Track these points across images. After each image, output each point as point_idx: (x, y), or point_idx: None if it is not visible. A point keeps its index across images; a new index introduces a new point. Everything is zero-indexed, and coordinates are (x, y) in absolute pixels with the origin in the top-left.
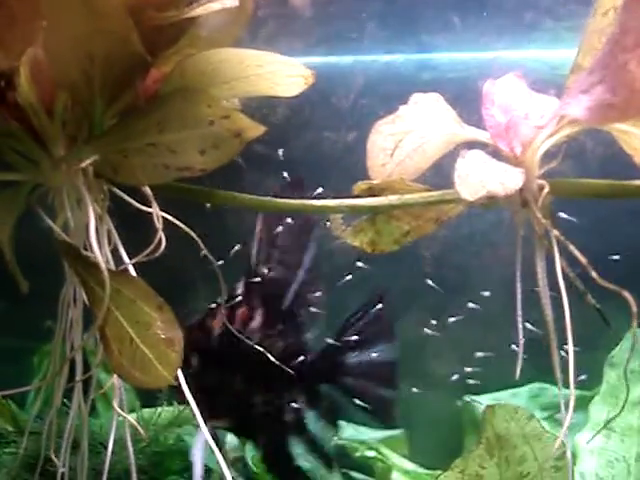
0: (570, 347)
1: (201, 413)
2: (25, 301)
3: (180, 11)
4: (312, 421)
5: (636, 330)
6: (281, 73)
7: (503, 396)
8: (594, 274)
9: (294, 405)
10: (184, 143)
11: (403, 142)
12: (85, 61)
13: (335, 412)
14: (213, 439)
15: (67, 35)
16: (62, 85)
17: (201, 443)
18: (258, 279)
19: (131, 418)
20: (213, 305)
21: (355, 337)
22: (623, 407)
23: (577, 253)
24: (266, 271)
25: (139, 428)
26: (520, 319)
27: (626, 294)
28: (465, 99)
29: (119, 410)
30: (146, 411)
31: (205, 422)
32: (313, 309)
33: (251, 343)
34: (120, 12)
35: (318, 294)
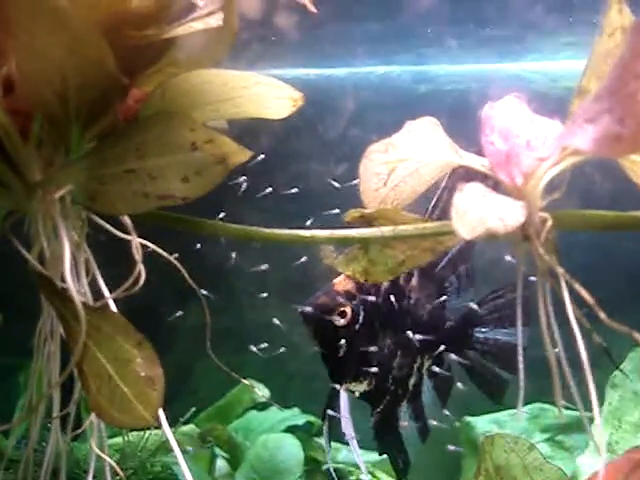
0: (590, 386)
1: (346, 373)
2: (11, 318)
3: (160, 30)
4: (426, 390)
5: (638, 350)
6: (268, 95)
7: (502, 417)
8: (602, 315)
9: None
10: (165, 169)
11: (397, 169)
12: (58, 83)
13: (449, 385)
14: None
15: (39, 56)
16: (36, 107)
17: (345, 404)
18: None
19: (107, 457)
20: None
21: (491, 313)
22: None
23: (584, 292)
24: None
25: (115, 466)
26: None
27: (636, 334)
28: (462, 111)
29: (97, 450)
30: (134, 434)
31: (344, 382)
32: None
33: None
34: (94, 32)
35: (468, 265)
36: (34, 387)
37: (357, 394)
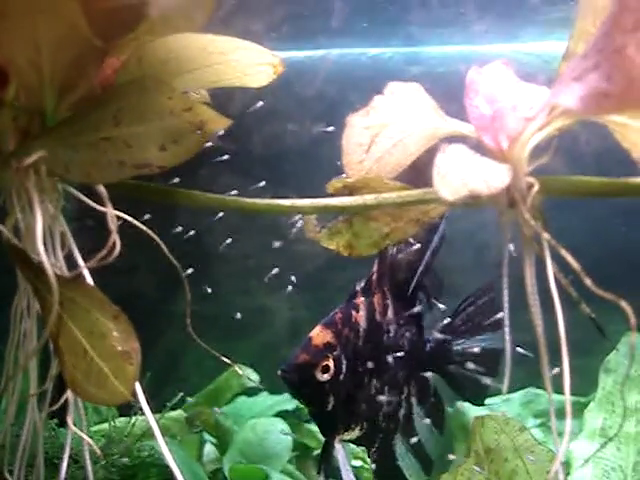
0: (564, 355)
1: (338, 425)
2: None
3: None
4: (419, 418)
5: (631, 334)
6: (248, 61)
7: (495, 402)
8: (589, 282)
9: (406, 400)
10: (142, 137)
11: (380, 137)
12: (32, 49)
13: (442, 408)
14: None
15: (10, 21)
16: (10, 76)
17: (344, 459)
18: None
19: (85, 434)
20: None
21: (465, 323)
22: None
23: (570, 258)
24: (395, 251)
25: (94, 445)
26: (507, 324)
27: (623, 304)
28: (454, 94)
29: (73, 427)
30: (120, 420)
31: (337, 435)
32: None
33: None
34: None
35: (431, 275)
36: (11, 364)
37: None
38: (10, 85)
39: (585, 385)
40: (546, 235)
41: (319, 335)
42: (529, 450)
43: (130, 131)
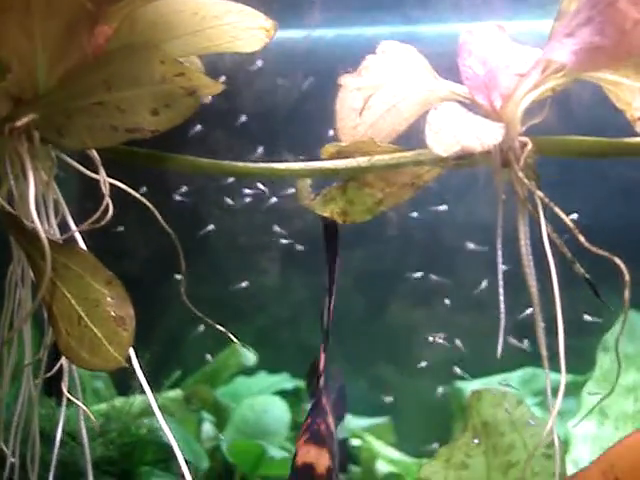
0: (559, 319)
1: None
2: None
3: None
4: None
5: (629, 313)
6: (240, 25)
7: (493, 382)
8: (582, 239)
9: None
10: (134, 102)
11: (373, 100)
12: (23, 14)
13: None
14: None
15: None
16: (1, 42)
17: None
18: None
19: (80, 403)
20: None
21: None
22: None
23: (563, 216)
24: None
25: (91, 416)
26: (502, 295)
27: (617, 260)
28: (452, 74)
29: (69, 395)
30: (119, 400)
31: None
32: None
33: None
34: None
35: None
36: (4, 333)
37: None
38: (1, 53)
39: (584, 364)
40: (539, 193)
41: (319, 458)
42: (526, 424)
43: (122, 96)
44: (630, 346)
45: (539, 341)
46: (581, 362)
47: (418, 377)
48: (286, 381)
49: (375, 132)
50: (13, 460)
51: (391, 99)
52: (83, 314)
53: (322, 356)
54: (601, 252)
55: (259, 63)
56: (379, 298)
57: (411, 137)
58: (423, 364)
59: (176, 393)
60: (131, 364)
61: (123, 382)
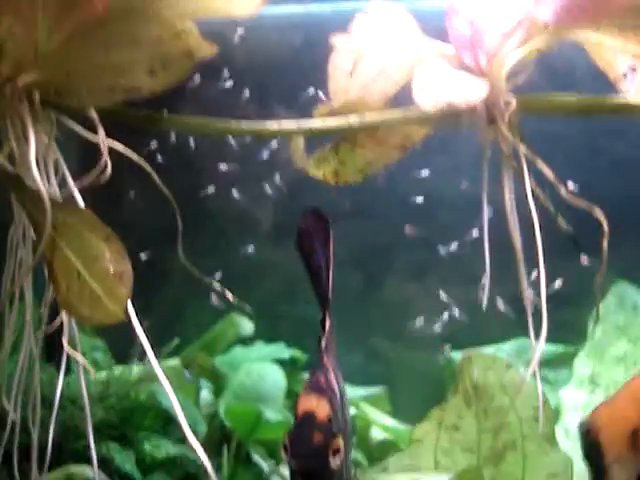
0: (541, 274)
1: None
2: None
3: None
4: None
5: (620, 284)
6: None
7: (486, 352)
8: (563, 190)
9: None
10: (131, 63)
11: (364, 61)
12: None
13: None
14: None
15: None
16: (3, 5)
17: None
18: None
19: (80, 357)
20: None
21: None
22: None
23: (546, 169)
24: None
25: (89, 367)
26: (487, 248)
27: (597, 210)
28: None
29: (69, 348)
30: (118, 368)
31: None
32: None
33: None
34: None
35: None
36: (7, 294)
37: None
38: (4, 16)
39: (575, 336)
40: (523, 148)
41: (320, 406)
42: (516, 387)
43: (120, 57)
44: (621, 317)
45: (524, 299)
46: (573, 334)
47: (413, 348)
48: (283, 351)
49: (367, 95)
50: (14, 417)
51: (381, 62)
52: (82, 270)
53: (326, 320)
54: (581, 204)
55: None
56: (375, 270)
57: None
58: (418, 335)
59: (174, 362)
60: (131, 326)
61: (121, 354)
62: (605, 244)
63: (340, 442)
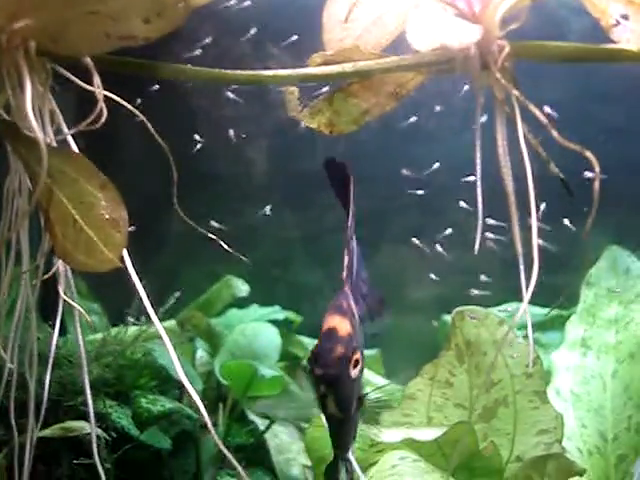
0: (533, 219)
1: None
2: None
3: None
4: None
5: (613, 248)
6: None
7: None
8: (555, 133)
9: None
10: (126, 11)
11: (358, 11)
12: None
13: None
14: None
15: None
16: None
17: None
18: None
19: (77, 305)
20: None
21: None
22: None
23: (537, 112)
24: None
25: (87, 317)
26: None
27: (588, 153)
28: None
29: (65, 297)
30: (114, 329)
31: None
32: None
33: None
34: None
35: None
36: (3, 244)
37: None
38: None
39: (568, 300)
40: (515, 92)
41: (341, 324)
42: (508, 344)
43: (115, 5)
44: (613, 280)
45: (514, 232)
46: (566, 297)
47: (408, 312)
48: (277, 312)
49: (361, 45)
50: (12, 366)
51: (376, 10)
52: (78, 217)
53: (347, 254)
54: (572, 145)
55: None
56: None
57: None
58: (413, 299)
59: (170, 323)
60: (127, 290)
61: (117, 317)
62: (597, 185)
63: (359, 355)
